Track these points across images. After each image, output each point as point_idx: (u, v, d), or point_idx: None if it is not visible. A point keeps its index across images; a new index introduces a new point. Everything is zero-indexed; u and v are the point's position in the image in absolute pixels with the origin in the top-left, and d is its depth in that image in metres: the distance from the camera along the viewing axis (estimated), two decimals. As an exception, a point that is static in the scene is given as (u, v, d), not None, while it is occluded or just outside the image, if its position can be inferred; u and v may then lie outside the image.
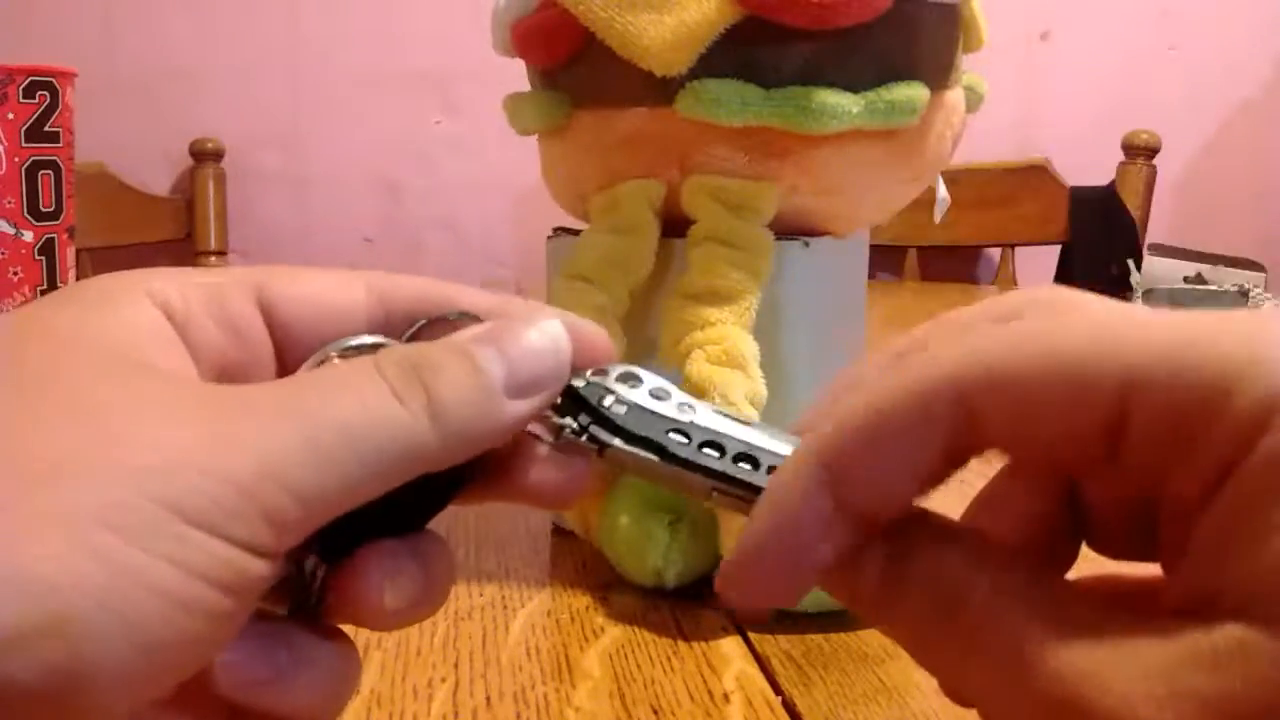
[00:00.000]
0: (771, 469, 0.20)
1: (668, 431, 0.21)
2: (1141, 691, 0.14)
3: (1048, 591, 0.16)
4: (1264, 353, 0.14)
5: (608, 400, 0.21)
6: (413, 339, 0.21)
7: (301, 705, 0.19)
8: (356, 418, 0.17)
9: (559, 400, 0.21)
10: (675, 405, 0.21)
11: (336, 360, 0.20)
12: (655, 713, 0.33)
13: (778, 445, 0.20)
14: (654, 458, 0.20)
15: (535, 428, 0.21)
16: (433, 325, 0.22)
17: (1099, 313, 0.17)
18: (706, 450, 0.20)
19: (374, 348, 0.21)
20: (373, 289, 0.22)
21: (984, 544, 0.17)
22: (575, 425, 0.21)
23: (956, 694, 0.18)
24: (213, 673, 0.18)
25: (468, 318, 0.21)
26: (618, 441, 0.21)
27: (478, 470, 0.21)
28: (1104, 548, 0.20)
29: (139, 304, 0.19)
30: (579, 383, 0.21)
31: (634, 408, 0.21)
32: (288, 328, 0.21)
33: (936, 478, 0.18)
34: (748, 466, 0.20)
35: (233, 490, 0.16)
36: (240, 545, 0.16)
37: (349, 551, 0.20)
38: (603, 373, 0.22)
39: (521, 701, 0.34)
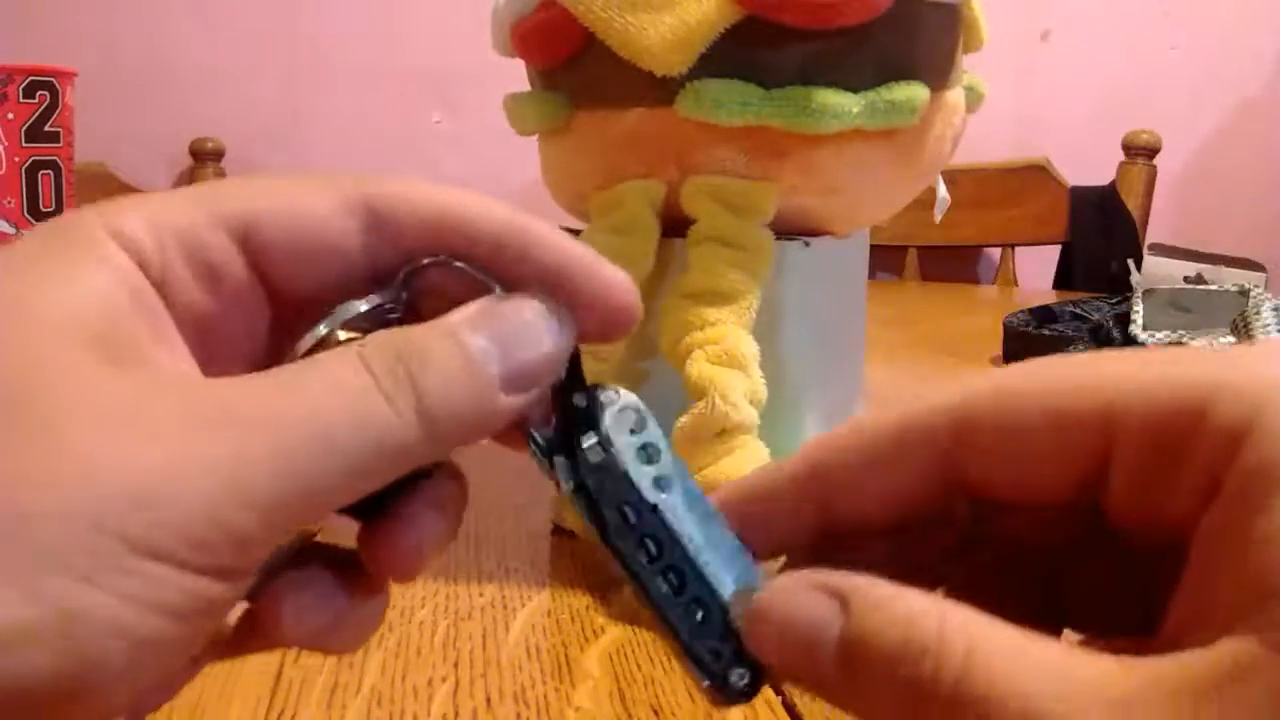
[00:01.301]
0: (692, 604, 0.18)
1: (621, 505, 0.19)
2: None
3: (1027, 645, 0.15)
4: (1231, 375, 0.15)
5: (588, 440, 0.19)
6: (406, 281, 0.19)
7: (349, 641, 0.20)
8: (341, 425, 0.16)
9: (556, 393, 0.19)
10: (653, 476, 0.19)
11: (339, 334, 0.19)
12: (655, 713, 0.33)
13: (727, 569, 0.19)
14: (589, 524, 0.19)
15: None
16: (427, 270, 0.19)
17: (1079, 356, 0.17)
18: (644, 546, 0.19)
19: (374, 313, 0.19)
20: (364, 214, 0.19)
21: (943, 602, 0.16)
22: (542, 443, 0.19)
23: None
24: (281, 622, 0.18)
25: (465, 269, 0.19)
26: (566, 486, 0.19)
27: None
28: (1087, 626, 0.19)
29: (105, 260, 0.17)
30: (579, 400, 0.20)
31: (608, 460, 0.19)
32: (275, 267, 0.19)
33: (913, 508, 0.18)
34: (668, 587, 0.18)
35: (199, 519, 0.15)
36: (205, 573, 0.15)
37: (367, 501, 0.18)
38: (614, 393, 0.20)
39: (521, 701, 0.34)
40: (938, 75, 0.45)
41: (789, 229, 0.45)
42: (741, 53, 0.42)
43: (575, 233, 0.49)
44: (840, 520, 0.19)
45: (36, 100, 0.68)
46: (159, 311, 0.18)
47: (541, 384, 0.19)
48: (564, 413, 0.19)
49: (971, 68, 0.50)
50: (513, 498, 0.52)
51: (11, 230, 0.68)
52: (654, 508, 0.19)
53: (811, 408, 0.47)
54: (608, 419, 0.19)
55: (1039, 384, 0.17)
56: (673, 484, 0.19)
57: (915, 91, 0.43)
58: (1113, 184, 1.60)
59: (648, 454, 0.19)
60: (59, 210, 0.71)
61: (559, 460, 0.19)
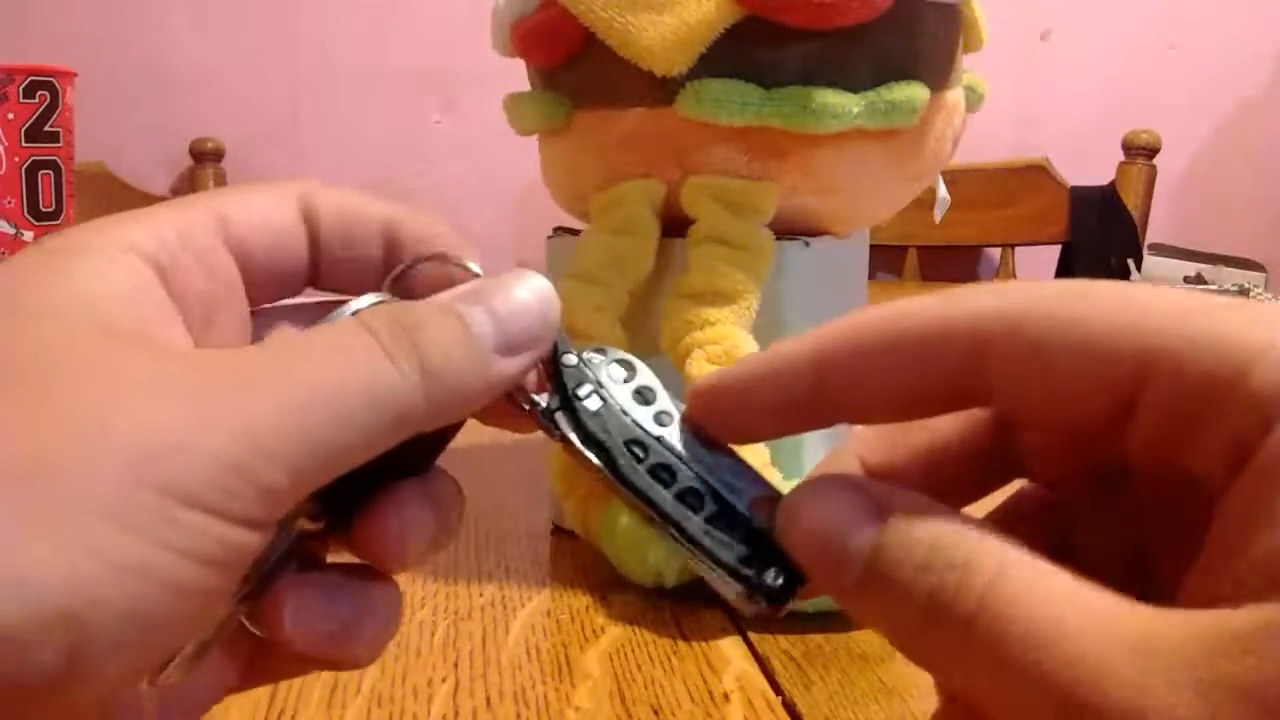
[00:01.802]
0: (712, 518, 0.19)
1: (627, 443, 0.20)
2: (1163, 682, 0.13)
3: (1055, 578, 0.15)
4: (1273, 339, 0.14)
5: (584, 390, 0.20)
6: (395, 281, 0.21)
7: (361, 652, 0.20)
8: (348, 382, 0.17)
9: (549, 363, 0.20)
10: (654, 413, 0.20)
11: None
12: (655, 713, 0.33)
13: (739, 484, 0.19)
14: (602, 466, 0.20)
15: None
16: (420, 266, 0.21)
17: (1115, 287, 0.17)
18: (656, 476, 0.19)
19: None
20: (301, 202, 0.21)
21: (983, 525, 0.16)
22: (543, 405, 0.20)
23: (953, 691, 0.18)
24: (284, 630, 0.19)
25: (458, 264, 0.21)
26: (573, 437, 0.20)
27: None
28: (1088, 570, 0.19)
29: (119, 260, 0.18)
30: (569, 359, 0.21)
31: (606, 406, 0.20)
32: (250, 258, 0.21)
33: (926, 406, 0.18)
34: (688, 508, 0.19)
35: (225, 468, 0.16)
36: (235, 521, 0.16)
37: (354, 502, 0.19)
38: (601, 352, 0.21)
39: (521, 701, 0.34)
40: (938, 75, 0.45)
41: (789, 229, 0.45)
42: (741, 53, 0.42)
43: (575, 233, 0.49)
44: (838, 410, 0.19)
45: (36, 100, 0.68)
46: (165, 301, 0.19)
47: (533, 348, 0.20)
48: (558, 375, 0.20)
49: (971, 68, 0.50)
50: (513, 498, 0.52)
51: (11, 230, 0.68)
52: (659, 439, 0.20)
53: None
54: (601, 371, 0.21)
55: (1076, 312, 0.16)
56: (673, 418, 0.20)
57: (915, 91, 0.43)
58: (1112, 184, 1.60)
59: (644, 396, 0.21)
60: (59, 210, 0.71)
61: (560, 417, 0.20)
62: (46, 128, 0.69)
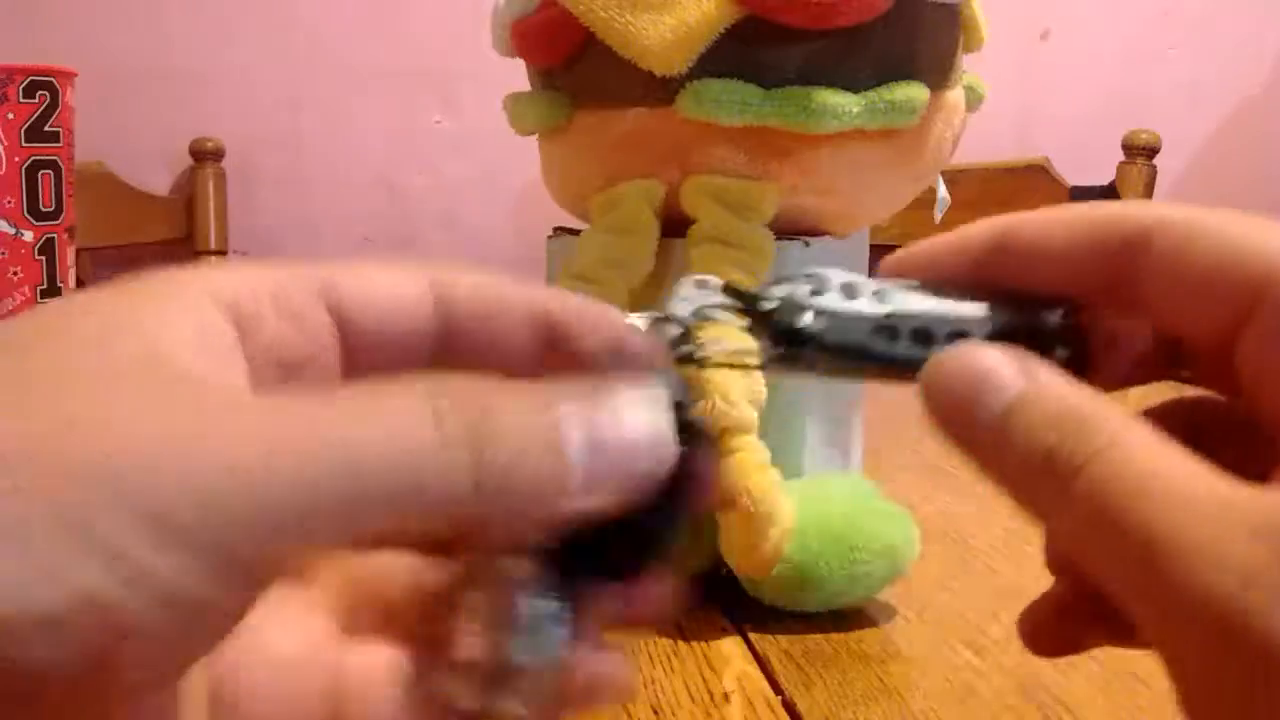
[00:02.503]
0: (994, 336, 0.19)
1: (872, 331, 0.20)
2: (1244, 534, 0.14)
3: (1169, 448, 0.16)
4: None
5: (804, 319, 0.20)
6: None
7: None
8: (371, 437, 0.15)
9: (745, 322, 0.20)
10: (869, 297, 0.20)
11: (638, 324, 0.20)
12: (655, 713, 0.33)
13: (977, 310, 0.20)
14: (860, 366, 0.20)
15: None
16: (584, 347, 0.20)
17: (1262, 220, 0.19)
18: (916, 343, 0.20)
19: (659, 322, 0.21)
20: (434, 285, 0.20)
21: (1111, 400, 0.17)
22: (770, 353, 0.20)
23: (1060, 559, 0.19)
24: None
25: (648, 365, 0.19)
26: (819, 362, 0.20)
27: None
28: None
29: (192, 303, 0.17)
30: (769, 304, 0.20)
31: (831, 316, 0.20)
32: (353, 324, 0.19)
33: (1089, 279, 0.20)
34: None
35: (198, 497, 0.14)
36: (203, 566, 0.14)
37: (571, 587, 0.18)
38: (786, 281, 0.20)
39: (521, 701, 0.34)
40: (938, 75, 0.45)
41: (789, 229, 0.45)
42: (741, 52, 0.42)
43: (575, 233, 0.49)
44: (1012, 266, 0.21)
45: (36, 100, 0.68)
46: (232, 350, 0.18)
47: (617, 493, 0.17)
48: (776, 322, 0.20)
49: (971, 67, 0.50)
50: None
51: (11, 230, 0.68)
52: (893, 314, 0.20)
53: (811, 408, 0.47)
54: (801, 294, 0.20)
55: (1217, 222, 0.19)
56: (887, 292, 0.20)
57: (915, 91, 0.43)
58: (1113, 184, 1.60)
59: (850, 292, 0.20)
60: (59, 210, 0.71)
61: (789, 350, 0.20)
62: (46, 127, 0.69)
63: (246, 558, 0.15)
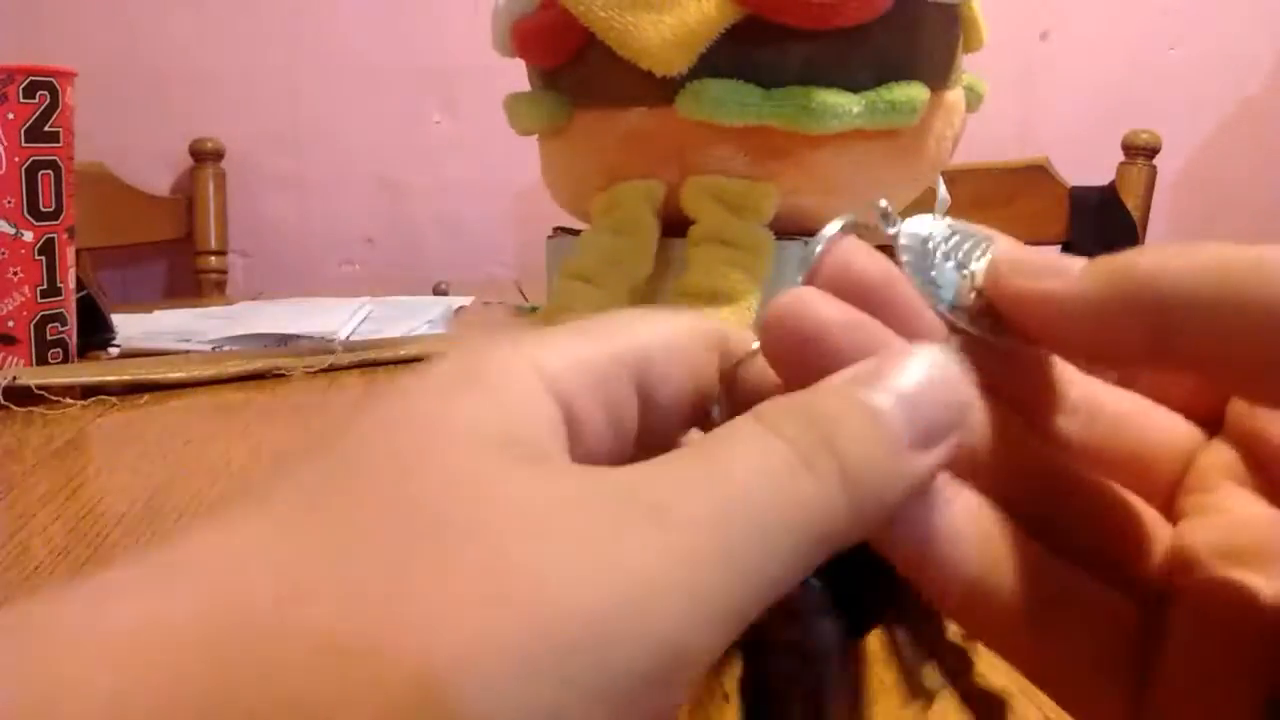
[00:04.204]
0: None
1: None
2: None
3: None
4: None
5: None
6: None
7: None
8: (773, 508, 0.14)
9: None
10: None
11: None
12: (655, 713, 0.33)
13: None
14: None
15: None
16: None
17: None
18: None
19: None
20: (721, 352, 0.19)
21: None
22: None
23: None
24: None
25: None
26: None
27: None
28: None
29: (529, 387, 0.16)
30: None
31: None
32: (653, 405, 0.18)
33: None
34: None
35: (668, 651, 0.13)
36: (660, 707, 0.13)
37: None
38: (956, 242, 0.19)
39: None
40: (938, 75, 0.45)
41: (789, 229, 0.45)
42: (742, 53, 0.42)
43: (575, 233, 0.49)
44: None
45: (36, 100, 0.68)
46: (563, 442, 0.17)
47: (949, 437, 0.16)
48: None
49: (971, 68, 0.50)
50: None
51: (11, 230, 0.68)
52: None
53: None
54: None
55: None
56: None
57: (915, 91, 0.43)
58: (1113, 184, 1.60)
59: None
60: (59, 210, 0.71)
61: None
62: (46, 128, 0.69)
63: (704, 663, 0.14)
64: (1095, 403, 0.19)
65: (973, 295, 0.18)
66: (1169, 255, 0.16)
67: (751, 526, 0.14)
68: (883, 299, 0.18)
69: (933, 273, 0.19)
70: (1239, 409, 0.19)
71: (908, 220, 0.19)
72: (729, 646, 0.14)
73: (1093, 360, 0.19)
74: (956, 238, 0.19)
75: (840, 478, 0.15)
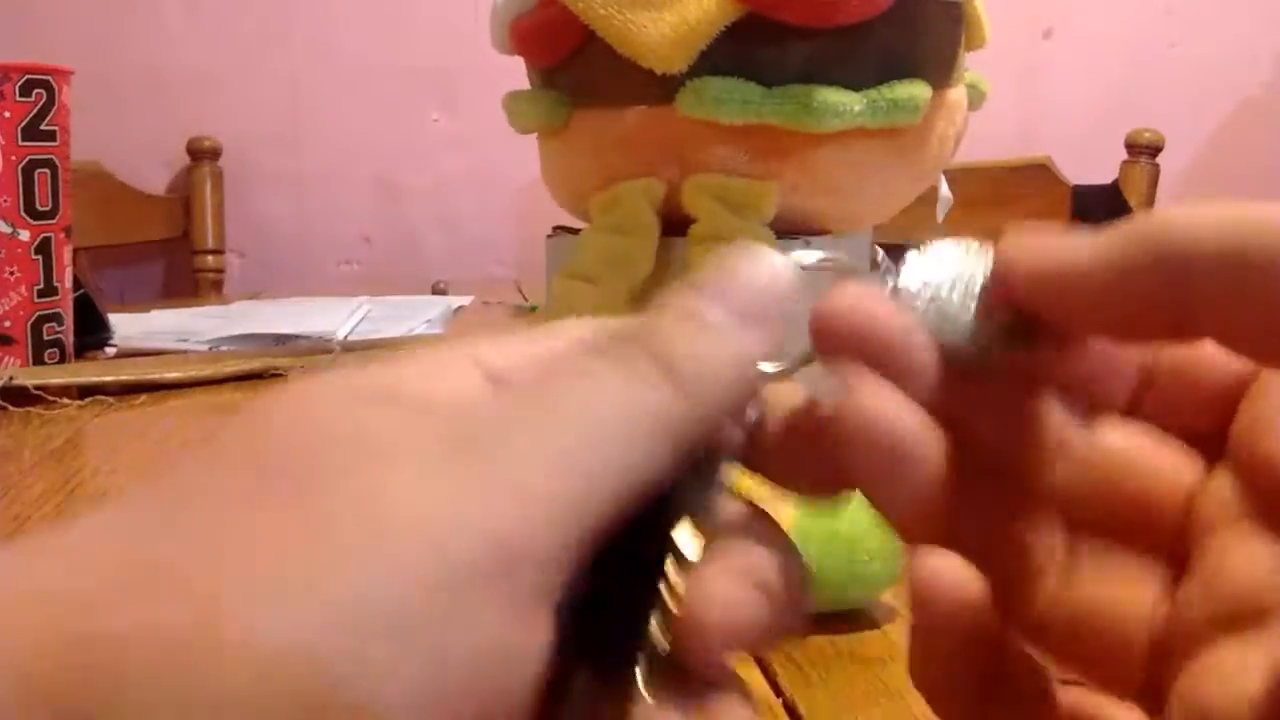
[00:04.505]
0: None
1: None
2: None
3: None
4: None
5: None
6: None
7: None
8: (606, 414, 0.16)
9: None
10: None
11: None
12: (655, 717, 0.33)
13: None
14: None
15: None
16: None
17: None
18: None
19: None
20: None
21: None
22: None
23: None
24: None
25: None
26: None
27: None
28: None
29: (459, 366, 0.18)
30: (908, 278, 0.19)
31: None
32: None
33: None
34: None
35: (500, 545, 0.14)
36: (518, 610, 0.15)
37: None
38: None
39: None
40: (940, 73, 0.45)
41: (789, 229, 0.44)
42: (742, 51, 0.42)
43: (575, 232, 0.49)
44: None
45: (33, 99, 0.68)
46: None
47: (771, 316, 0.18)
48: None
49: (973, 66, 0.49)
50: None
51: (8, 229, 0.68)
52: None
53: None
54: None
55: None
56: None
57: (917, 90, 0.43)
58: (1115, 183, 1.60)
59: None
60: (55, 209, 0.70)
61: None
62: (43, 126, 0.69)
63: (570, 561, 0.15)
64: (1094, 449, 0.19)
65: (988, 316, 0.18)
66: (1187, 214, 0.16)
67: (582, 434, 0.15)
68: (898, 350, 0.18)
69: (944, 311, 0.18)
70: (1242, 431, 0.18)
71: (904, 270, 0.19)
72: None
73: (1117, 335, 0.18)
74: (954, 265, 0.19)
75: (668, 376, 0.16)
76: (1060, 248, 0.17)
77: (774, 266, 0.19)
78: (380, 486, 0.14)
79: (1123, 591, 0.18)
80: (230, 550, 0.14)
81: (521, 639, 0.15)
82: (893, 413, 0.17)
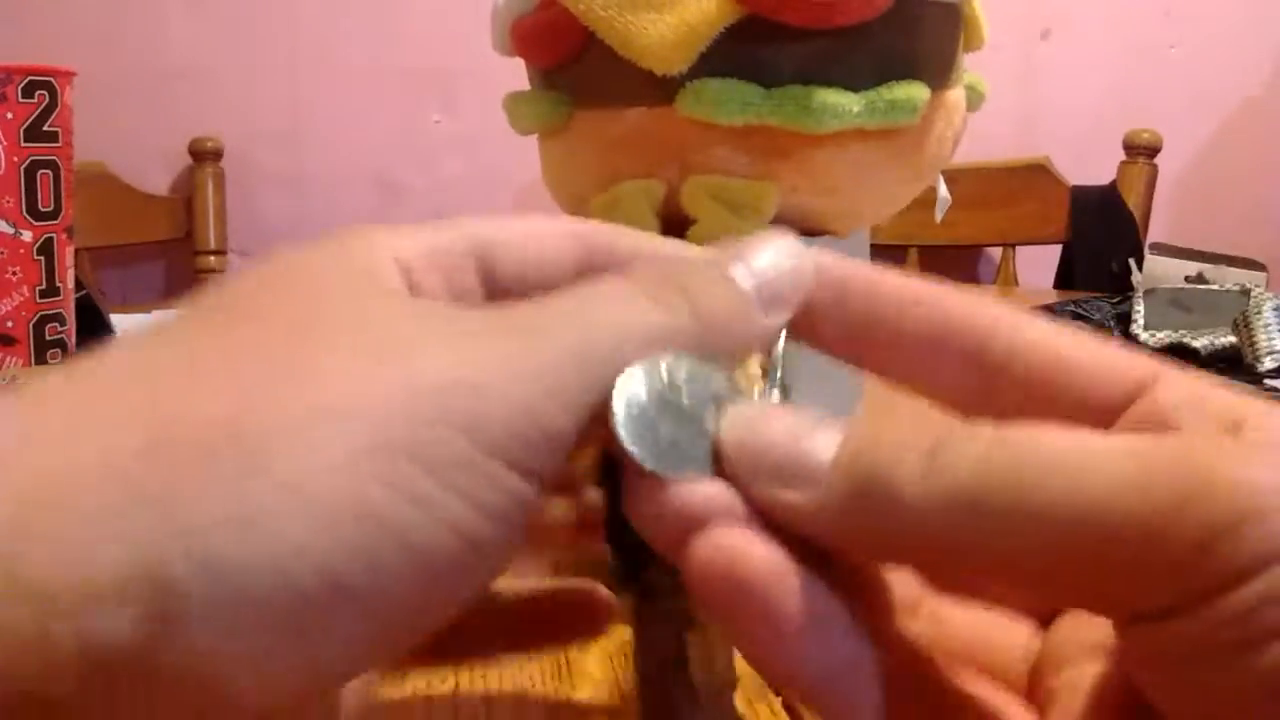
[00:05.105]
0: None
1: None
2: None
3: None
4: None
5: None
6: None
7: None
8: (627, 325, 0.17)
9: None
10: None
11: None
12: (655, 714, 0.33)
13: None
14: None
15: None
16: None
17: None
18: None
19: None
20: (581, 244, 0.22)
21: None
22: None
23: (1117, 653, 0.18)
24: None
25: None
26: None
27: None
28: None
29: (386, 260, 0.19)
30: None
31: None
32: (501, 286, 0.21)
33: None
34: None
35: (524, 417, 0.16)
36: (525, 475, 0.16)
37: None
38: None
39: (521, 701, 0.34)
40: (938, 74, 0.45)
41: (789, 229, 0.45)
42: (742, 52, 0.42)
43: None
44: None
45: (35, 100, 0.68)
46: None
47: (788, 308, 0.20)
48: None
49: (972, 67, 0.50)
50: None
51: (10, 230, 0.68)
52: None
53: (810, 408, 0.46)
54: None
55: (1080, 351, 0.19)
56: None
57: (916, 91, 0.43)
58: (1113, 183, 1.60)
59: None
60: (58, 210, 0.70)
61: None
62: (45, 127, 0.69)
63: (562, 446, 0.16)
64: (937, 616, 0.21)
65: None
66: (908, 466, 0.16)
67: (604, 342, 0.17)
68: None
69: (670, 442, 0.17)
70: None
71: (615, 391, 0.17)
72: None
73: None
74: (681, 384, 0.18)
75: (691, 312, 0.18)
76: (789, 474, 0.18)
77: (802, 263, 0.21)
78: (418, 351, 0.16)
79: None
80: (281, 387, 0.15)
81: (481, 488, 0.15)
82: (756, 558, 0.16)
